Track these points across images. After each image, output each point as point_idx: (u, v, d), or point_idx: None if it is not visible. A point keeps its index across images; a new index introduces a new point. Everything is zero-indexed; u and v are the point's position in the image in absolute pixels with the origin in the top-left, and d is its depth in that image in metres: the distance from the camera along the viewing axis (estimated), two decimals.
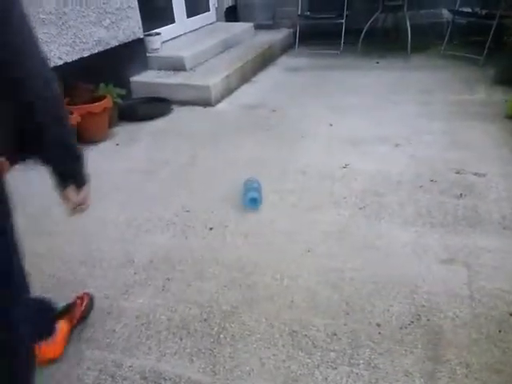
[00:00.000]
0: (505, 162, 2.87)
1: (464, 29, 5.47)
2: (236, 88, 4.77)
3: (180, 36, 5.43)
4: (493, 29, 4.70)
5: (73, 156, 1.22)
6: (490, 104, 3.83)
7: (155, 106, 4.23)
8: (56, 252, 2.27)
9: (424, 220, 2.35)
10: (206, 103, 4.33)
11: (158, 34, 4.80)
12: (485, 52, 4.80)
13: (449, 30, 5.28)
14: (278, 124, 3.79)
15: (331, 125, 3.69)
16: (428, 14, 5.84)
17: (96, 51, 3.93)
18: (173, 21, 5.34)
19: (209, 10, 6.19)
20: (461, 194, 2.56)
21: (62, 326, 1.69)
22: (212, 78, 4.43)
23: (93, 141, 3.58)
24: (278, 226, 2.40)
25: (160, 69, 4.76)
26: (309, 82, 4.86)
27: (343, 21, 5.54)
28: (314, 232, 2.32)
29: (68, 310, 1.76)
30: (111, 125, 3.81)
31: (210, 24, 6.14)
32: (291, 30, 6.32)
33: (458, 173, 2.80)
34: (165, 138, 3.64)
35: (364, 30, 5.63)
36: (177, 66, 4.68)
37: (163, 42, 4.96)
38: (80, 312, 1.79)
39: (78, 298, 1.83)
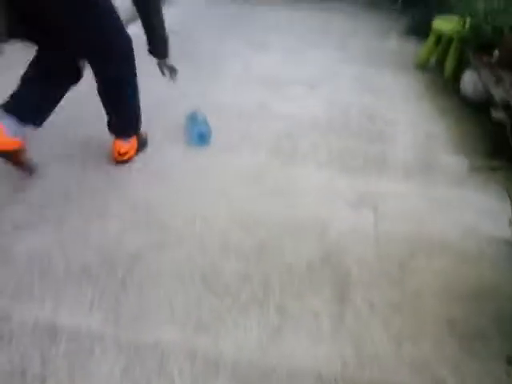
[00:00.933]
0: (412, 112, 2.98)
1: None
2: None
3: None
4: None
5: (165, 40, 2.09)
6: (402, 53, 3.92)
7: None
8: None
9: (335, 164, 2.38)
10: None
11: None
12: (400, 2, 4.87)
13: None
14: (195, 55, 3.56)
15: (247, 62, 3.54)
16: None
17: None
18: None
19: None
20: (371, 140, 2.62)
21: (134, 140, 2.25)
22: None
23: None
24: (190, 166, 2.28)
25: None
26: (229, 17, 4.62)
27: None
28: (227, 174, 2.24)
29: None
30: None
31: None
32: None
33: (369, 119, 2.85)
34: None
35: None
36: None
37: None
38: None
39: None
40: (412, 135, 2.70)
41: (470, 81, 3.01)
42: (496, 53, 2.87)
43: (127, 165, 2.22)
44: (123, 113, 2.17)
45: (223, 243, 1.81)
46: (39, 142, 2.24)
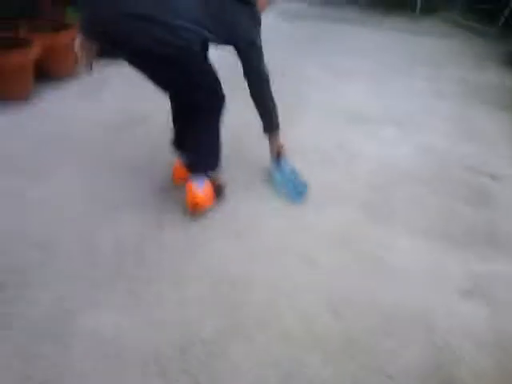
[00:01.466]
0: None
1: None
2: None
3: None
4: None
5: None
6: (503, 88, 3.49)
7: None
8: None
9: (435, 231, 2.05)
10: None
11: None
12: (500, 24, 4.40)
13: None
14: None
15: (329, 91, 3.27)
16: None
17: None
18: None
19: None
20: (476, 202, 2.26)
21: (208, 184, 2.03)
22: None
23: (57, 77, 3.03)
24: (271, 224, 2.04)
25: None
26: (306, 34, 4.35)
27: None
28: (310, 234, 1.98)
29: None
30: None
31: None
32: None
33: (470, 171, 2.50)
34: None
35: None
36: None
37: None
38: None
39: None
40: None
41: None
42: None
43: (203, 219, 2.01)
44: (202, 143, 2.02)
45: (308, 331, 1.55)
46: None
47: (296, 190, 2.20)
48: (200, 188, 1.99)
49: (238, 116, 2.42)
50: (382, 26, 4.70)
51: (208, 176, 2.03)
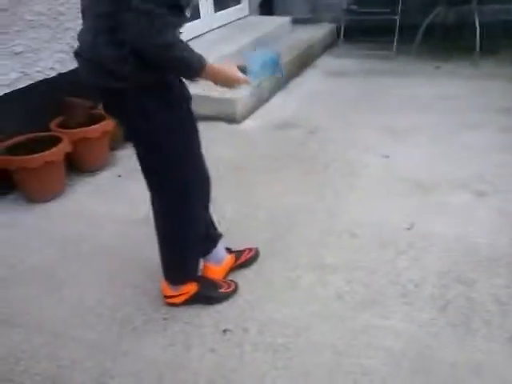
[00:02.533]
0: None
1: None
2: (268, 99, 4.01)
3: (206, 33, 4.68)
4: None
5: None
6: None
7: None
8: None
9: None
10: (231, 120, 3.60)
11: (180, 32, 4.07)
12: None
13: None
14: (317, 152, 3.01)
15: (387, 156, 2.89)
16: (498, 9, 4.87)
17: None
18: (198, 15, 4.60)
19: (240, 3, 5.41)
20: None
21: (228, 258, 1.97)
22: (240, 90, 3.67)
23: (89, 170, 2.92)
24: (318, 338, 1.65)
25: None
26: (355, 91, 4.03)
27: (397, 17, 4.67)
28: (371, 354, 1.57)
29: (237, 252, 2.03)
30: (114, 149, 3.13)
31: (242, 18, 5.37)
32: (334, 26, 5.48)
33: None
34: None
35: (422, 27, 4.74)
36: None
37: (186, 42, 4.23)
38: (244, 258, 2.03)
39: (248, 248, 2.06)
40: None
41: None
42: None
43: (239, 330, 1.67)
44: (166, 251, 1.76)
45: None
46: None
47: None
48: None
49: None
50: (439, 74, 4.29)
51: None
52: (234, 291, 1.89)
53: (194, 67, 1.39)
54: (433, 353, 1.56)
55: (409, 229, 2.20)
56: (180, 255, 1.76)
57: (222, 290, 1.87)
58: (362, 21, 5.15)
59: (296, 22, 5.48)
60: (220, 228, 1.97)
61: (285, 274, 1.98)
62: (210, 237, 1.89)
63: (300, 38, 5.06)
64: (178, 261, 1.78)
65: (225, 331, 1.71)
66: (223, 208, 2.42)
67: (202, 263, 1.89)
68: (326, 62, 4.97)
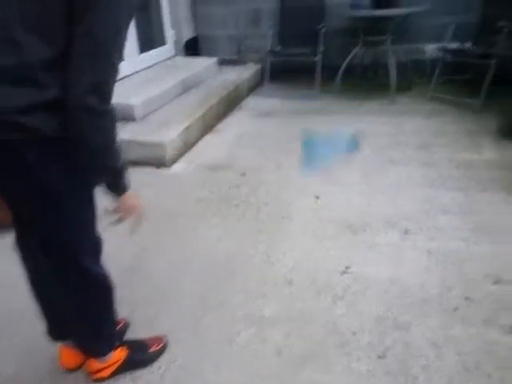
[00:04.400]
0: None
1: (450, 66, 4.88)
2: (197, 141, 3.97)
3: (130, 75, 4.60)
4: (490, 70, 4.12)
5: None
6: (505, 166, 3.16)
7: None
8: None
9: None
10: (160, 163, 3.51)
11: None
12: (482, 97, 4.20)
13: (437, 69, 4.66)
14: (250, 196, 2.99)
15: (318, 197, 2.92)
16: (409, 49, 5.24)
17: None
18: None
19: (165, 43, 5.40)
20: None
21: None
22: (168, 132, 3.62)
23: None
24: None
25: None
26: (283, 131, 4.10)
27: (318, 58, 4.87)
28: None
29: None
30: None
31: (168, 59, 5.35)
32: (259, 66, 5.61)
33: (496, 283, 2.07)
34: None
35: (342, 68, 4.97)
36: (124, 116, 3.83)
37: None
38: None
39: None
40: None
41: None
42: None
43: None
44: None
45: None
46: None
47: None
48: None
49: None
50: (361, 112, 4.49)
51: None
52: (165, 347, 1.79)
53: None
54: None
55: (344, 272, 2.20)
56: (95, 319, 1.57)
57: (152, 350, 1.75)
58: (286, 61, 5.32)
59: (222, 62, 5.55)
60: (152, 284, 1.86)
61: (222, 331, 1.90)
62: None
63: (227, 79, 5.11)
64: (96, 326, 1.59)
65: None
66: (156, 260, 2.30)
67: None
68: (253, 102, 5.04)
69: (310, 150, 1.73)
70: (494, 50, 4.09)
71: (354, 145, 1.80)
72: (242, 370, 1.70)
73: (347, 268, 2.23)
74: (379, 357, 1.73)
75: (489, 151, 3.42)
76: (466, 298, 1.99)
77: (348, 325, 1.88)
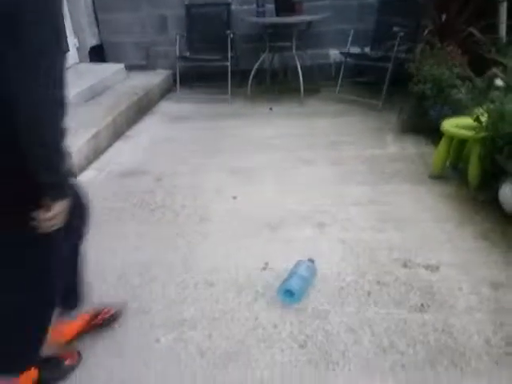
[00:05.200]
0: (454, 245, 2.35)
1: (353, 69, 5.18)
2: (107, 147, 3.83)
3: None
4: (388, 72, 4.42)
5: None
6: (406, 159, 3.40)
7: None
8: None
9: (391, 362, 1.67)
10: None
11: None
12: (383, 97, 4.49)
13: (341, 72, 4.91)
14: (166, 200, 2.93)
15: (235, 197, 2.93)
16: (314, 54, 5.47)
17: None
18: None
19: (68, 50, 5.13)
20: (422, 305, 1.94)
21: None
22: (75, 140, 3.43)
23: None
24: None
25: None
26: (197, 135, 4.09)
27: (228, 63, 4.91)
28: None
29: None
30: None
31: (71, 66, 5.09)
32: (170, 72, 5.53)
33: (405, 266, 2.21)
34: None
35: (252, 72, 5.05)
36: None
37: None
38: (102, 318, 1.83)
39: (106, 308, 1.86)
40: (471, 286, 2.04)
41: None
42: None
43: None
44: None
45: None
46: None
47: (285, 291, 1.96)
48: None
49: None
50: (272, 115, 4.60)
51: None
52: (79, 362, 1.69)
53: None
54: None
55: (263, 269, 2.22)
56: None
57: (67, 363, 1.65)
58: (196, 67, 5.31)
59: (131, 68, 5.40)
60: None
61: (142, 338, 1.83)
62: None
63: (136, 85, 4.99)
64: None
65: None
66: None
67: None
68: (165, 107, 4.97)
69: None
70: (390, 53, 4.38)
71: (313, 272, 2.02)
72: (163, 376, 1.65)
73: (267, 264, 2.25)
74: (301, 346, 1.75)
75: (391, 146, 3.65)
76: (378, 283, 2.09)
77: (269, 319, 1.90)
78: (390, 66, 4.39)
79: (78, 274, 1.73)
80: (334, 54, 5.35)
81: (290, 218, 2.66)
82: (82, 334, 1.79)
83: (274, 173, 3.26)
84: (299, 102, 4.84)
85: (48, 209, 1.23)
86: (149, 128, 4.33)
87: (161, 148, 3.83)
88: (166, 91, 5.41)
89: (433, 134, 3.46)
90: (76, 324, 1.77)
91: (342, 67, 4.91)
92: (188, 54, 5.26)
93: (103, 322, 1.85)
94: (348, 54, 4.87)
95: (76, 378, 1.65)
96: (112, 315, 1.88)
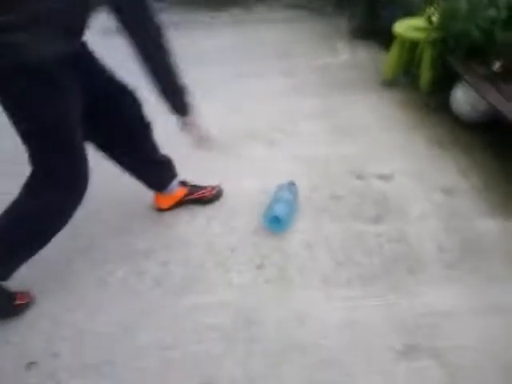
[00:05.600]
0: (407, 153, 2.33)
1: None
2: None
3: None
4: None
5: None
6: (358, 66, 3.28)
7: None
8: None
9: (348, 274, 1.68)
10: None
11: None
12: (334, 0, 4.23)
13: None
14: None
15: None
16: None
17: None
18: None
19: None
20: (377, 216, 1.94)
21: (179, 190, 1.98)
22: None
23: None
24: (144, 340, 1.50)
25: None
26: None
27: None
28: (203, 338, 1.49)
29: (195, 186, 2.02)
30: None
31: None
32: None
33: (359, 178, 2.19)
34: None
35: None
36: None
37: None
38: (202, 195, 2.02)
39: (212, 186, 2.06)
40: (424, 193, 2.05)
41: (465, 98, 2.42)
42: (497, 62, 2.27)
43: None
44: None
45: None
46: None
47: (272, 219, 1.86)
48: None
49: None
50: (216, 24, 4.26)
51: None
52: (29, 303, 1.62)
53: None
54: (259, 315, 1.55)
55: (217, 188, 2.13)
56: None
57: (18, 303, 1.58)
58: None
59: None
60: None
61: (93, 274, 1.75)
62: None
63: None
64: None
65: (29, 365, 1.42)
66: None
67: None
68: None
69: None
70: None
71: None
72: (120, 310, 1.60)
73: (220, 184, 2.16)
74: (258, 267, 1.73)
75: (342, 53, 3.50)
76: (332, 197, 2.06)
77: (226, 243, 1.85)
78: None
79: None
80: None
81: (240, 137, 2.53)
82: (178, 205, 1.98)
83: (220, 87, 3.07)
84: (246, 8, 4.49)
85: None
86: None
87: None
88: None
89: (385, 38, 3.31)
90: (173, 197, 1.97)
91: None
92: None
93: (202, 199, 2.02)
94: None
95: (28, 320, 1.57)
96: (213, 195, 2.04)
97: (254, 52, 3.61)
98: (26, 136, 1.35)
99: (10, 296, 1.57)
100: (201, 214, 2.01)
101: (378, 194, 2.06)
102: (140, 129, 1.72)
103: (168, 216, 2.01)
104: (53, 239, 1.54)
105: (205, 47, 3.70)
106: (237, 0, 4.58)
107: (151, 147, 1.80)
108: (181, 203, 2.01)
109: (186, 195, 2.01)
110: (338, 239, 1.83)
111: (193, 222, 1.97)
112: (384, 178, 2.16)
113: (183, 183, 2.02)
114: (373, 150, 2.36)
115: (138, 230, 1.93)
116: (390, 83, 2.98)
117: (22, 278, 1.58)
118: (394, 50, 2.93)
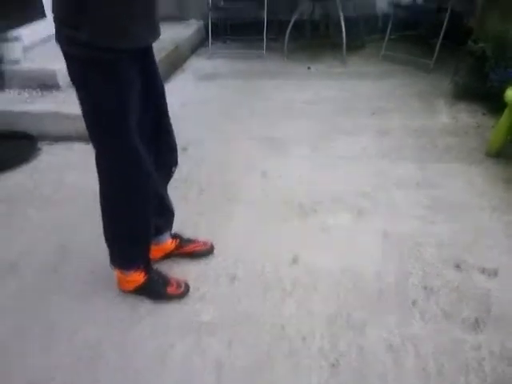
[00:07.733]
0: None
1: (402, 22, 4.64)
2: None
3: (53, 38, 4.05)
4: (443, 27, 3.91)
5: None
6: (460, 132, 3.01)
7: (11, 147, 2.97)
8: None
9: None
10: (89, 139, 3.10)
11: (17, 38, 3.48)
12: (435, 55, 4.00)
13: (389, 25, 4.39)
14: (193, 174, 2.70)
15: (265, 173, 2.66)
16: (360, 4, 4.94)
17: None
18: (42, 15, 3.96)
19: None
20: (477, 322, 1.67)
21: (168, 242, 1.94)
22: None
23: None
24: None
25: (23, 88, 3.44)
26: (228, 97, 3.78)
27: (264, 11, 4.47)
28: None
29: (186, 240, 2.00)
30: None
31: None
32: (202, 23, 5.15)
33: (457, 267, 1.92)
34: (19, 210, 2.42)
35: (290, 24, 4.60)
36: (47, 84, 3.39)
37: (26, 49, 3.63)
38: (192, 250, 1.98)
39: (203, 242, 2.02)
40: None
41: None
42: None
43: None
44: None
45: None
46: None
47: None
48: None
49: None
50: (311, 75, 4.20)
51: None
52: (184, 294, 1.79)
53: None
54: None
55: (293, 263, 1.98)
56: (123, 230, 1.64)
57: (169, 290, 1.79)
58: (229, 18, 4.92)
59: (160, 20, 5.04)
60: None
61: (154, 344, 1.65)
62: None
63: (166, 38, 4.61)
64: (122, 238, 1.67)
65: None
66: (83, 256, 2.00)
67: None
68: (196, 63, 4.64)
69: None
70: (445, 4, 3.86)
71: None
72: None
73: (296, 257, 2.01)
74: (332, 365, 1.53)
75: (443, 115, 3.25)
76: (425, 288, 1.82)
77: (297, 327, 1.68)
78: (445, 19, 3.87)
79: None
80: (382, 4, 4.83)
81: (325, 201, 2.38)
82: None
83: (308, 143, 2.95)
84: (341, 59, 4.40)
85: None
86: (179, 87, 4.02)
87: (191, 111, 3.55)
88: (198, 45, 5.05)
89: (492, 101, 3.04)
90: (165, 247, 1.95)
91: (391, 20, 4.38)
92: (222, 3, 4.85)
93: (193, 253, 1.98)
94: (397, 5, 4.34)
95: None
96: (205, 250, 2.00)
97: (346, 106, 3.47)
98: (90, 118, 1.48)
99: (165, 282, 1.78)
100: (276, 286, 1.85)
101: (479, 291, 1.79)
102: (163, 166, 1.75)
103: (240, 284, 1.88)
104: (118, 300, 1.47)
105: (298, 99, 3.63)
106: (333, 51, 4.50)
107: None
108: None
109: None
110: (429, 344, 1.58)
111: (266, 296, 1.82)
112: (487, 272, 1.88)
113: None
114: (474, 235, 2.08)
115: (207, 297, 1.82)
116: (496, 155, 2.69)
117: (79, 339, 1.51)
118: (505, 117, 2.64)
